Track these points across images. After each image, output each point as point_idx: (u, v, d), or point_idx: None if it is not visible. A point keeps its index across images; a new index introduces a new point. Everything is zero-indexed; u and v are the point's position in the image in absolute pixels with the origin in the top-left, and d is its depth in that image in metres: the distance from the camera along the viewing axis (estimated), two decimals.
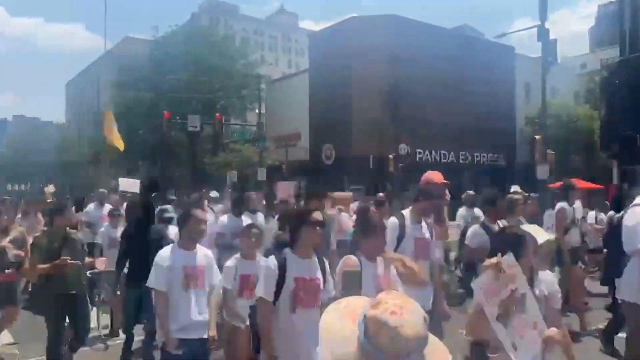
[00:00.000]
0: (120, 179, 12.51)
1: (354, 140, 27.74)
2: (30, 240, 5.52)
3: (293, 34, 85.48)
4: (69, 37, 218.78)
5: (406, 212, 4.35)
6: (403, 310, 1.25)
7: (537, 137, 18.80)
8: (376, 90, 26.31)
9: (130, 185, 11.08)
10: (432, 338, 1.34)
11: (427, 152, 29.51)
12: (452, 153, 30.54)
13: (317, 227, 3.35)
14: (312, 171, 30.21)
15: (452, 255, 8.91)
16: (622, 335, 5.14)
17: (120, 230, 6.38)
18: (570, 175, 13.39)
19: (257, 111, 33.69)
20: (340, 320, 1.34)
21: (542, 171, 17.04)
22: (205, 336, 3.87)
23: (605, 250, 5.97)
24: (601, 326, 6.11)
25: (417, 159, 27.32)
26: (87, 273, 5.92)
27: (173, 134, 32.42)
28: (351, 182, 25.51)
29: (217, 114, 29.33)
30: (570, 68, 37.67)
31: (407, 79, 26.51)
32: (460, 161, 30.95)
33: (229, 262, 4.50)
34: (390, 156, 24.16)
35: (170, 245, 4.05)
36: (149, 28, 38.43)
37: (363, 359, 1.25)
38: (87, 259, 5.59)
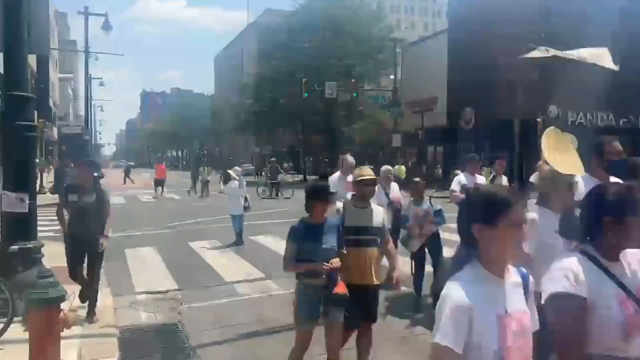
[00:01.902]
0: None
1: (496, 103, 25.98)
2: None
3: None
4: (220, 17, 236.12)
5: None
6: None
7: None
8: (523, 48, 24.14)
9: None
10: None
11: (580, 114, 26.67)
12: (610, 116, 27.20)
13: None
14: (450, 137, 29.11)
15: None
16: None
17: None
18: None
19: (392, 76, 33.08)
20: None
21: None
22: None
23: None
24: None
25: (570, 122, 24.83)
26: None
27: (310, 101, 33.26)
28: (493, 148, 24.11)
29: (352, 80, 29.39)
30: None
31: (559, 34, 23.78)
32: (621, 125, 27.47)
33: None
34: (539, 119, 22.24)
35: None
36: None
37: None
38: None
